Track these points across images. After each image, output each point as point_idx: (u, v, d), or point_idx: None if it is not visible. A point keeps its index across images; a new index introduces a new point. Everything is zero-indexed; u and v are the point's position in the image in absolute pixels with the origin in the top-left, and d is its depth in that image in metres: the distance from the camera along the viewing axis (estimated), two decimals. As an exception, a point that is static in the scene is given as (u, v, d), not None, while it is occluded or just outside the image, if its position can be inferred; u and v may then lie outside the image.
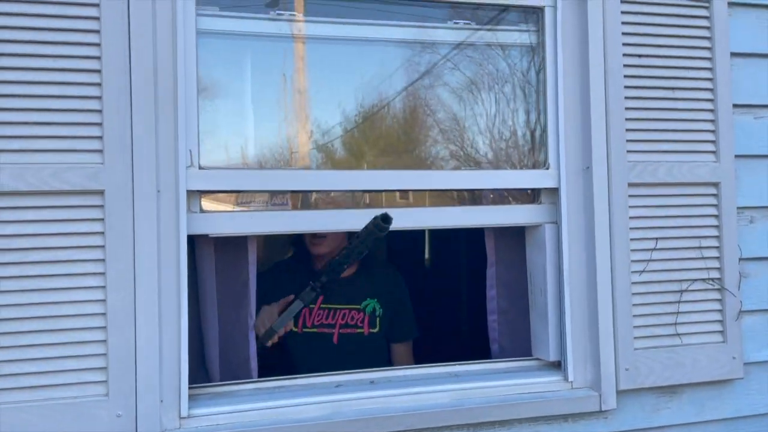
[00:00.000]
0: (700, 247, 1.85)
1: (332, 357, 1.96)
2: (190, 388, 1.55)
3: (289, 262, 2.20)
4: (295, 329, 1.98)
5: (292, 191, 1.68)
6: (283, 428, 1.54)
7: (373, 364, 1.82)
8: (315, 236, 1.99)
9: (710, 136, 1.87)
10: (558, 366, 1.81)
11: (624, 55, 1.80)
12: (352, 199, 1.84)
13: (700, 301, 1.85)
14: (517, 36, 1.90)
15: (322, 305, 2.03)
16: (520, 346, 1.96)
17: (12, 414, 1.37)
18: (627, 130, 1.79)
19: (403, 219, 1.75)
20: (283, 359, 2.00)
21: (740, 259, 1.89)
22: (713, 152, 1.87)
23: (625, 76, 1.79)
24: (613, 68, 1.77)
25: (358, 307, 2.08)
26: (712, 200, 1.87)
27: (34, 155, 1.39)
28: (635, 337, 1.78)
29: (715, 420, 1.88)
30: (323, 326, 2.04)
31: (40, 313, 1.39)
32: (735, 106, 1.90)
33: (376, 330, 2.08)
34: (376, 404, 1.64)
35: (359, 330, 2.06)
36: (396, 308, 2.15)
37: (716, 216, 1.87)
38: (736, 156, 1.89)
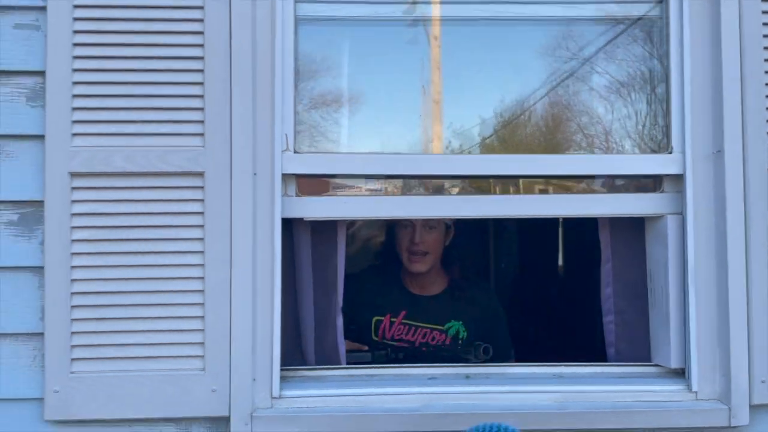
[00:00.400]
0: None
1: None
2: (282, 369, 1.57)
3: (381, 269, 2.15)
4: (375, 338, 1.95)
5: (387, 175, 1.64)
6: (372, 416, 1.51)
7: None
8: (414, 252, 1.94)
9: None
10: (681, 374, 1.62)
11: (764, 24, 1.57)
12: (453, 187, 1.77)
13: None
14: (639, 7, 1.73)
15: (404, 320, 1.97)
16: (640, 351, 1.77)
17: (120, 382, 1.46)
18: (768, 108, 1.57)
19: (513, 207, 1.66)
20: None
21: None
22: None
23: (765, 48, 1.57)
24: (751, 37, 1.55)
25: (441, 328, 1.99)
26: None
27: (143, 138, 1.48)
28: (776, 346, 1.55)
29: None
30: (402, 341, 1.98)
31: (144, 287, 1.47)
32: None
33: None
34: (471, 400, 1.56)
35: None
36: (484, 332, 2.00)
37: None
38: None
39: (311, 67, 1.69)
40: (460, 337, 2.00)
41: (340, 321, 1.85)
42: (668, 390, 1.58)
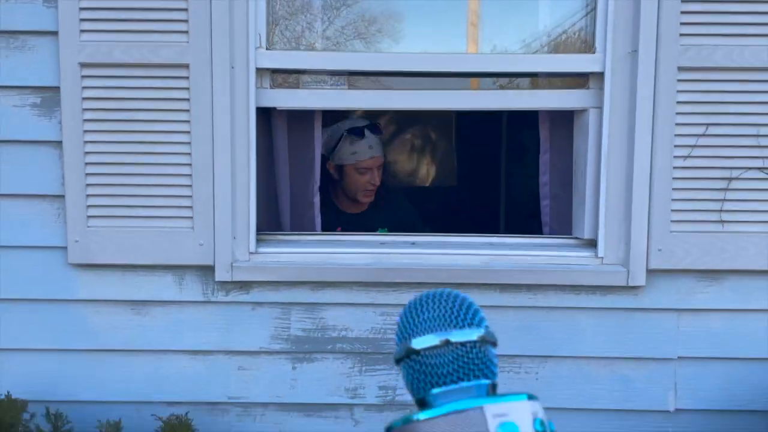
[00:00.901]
0: (757, 135, 1.81)
1: None
2: (260, 233, 1.91)
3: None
4: None
5: (351, 72, 1.90)
6: (331, 268, 1.85)
7: None
8: (369, 190, 2.30)
9: (783, 18, 1.77)
10: (593, 244, 1.91)
11: (685, -68, 1.75)
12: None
13: (752, 189, 1.82)
14: None
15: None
16: (569, 230, 2.07)
17: (124, 235, 1.82)
18: (682, 12, 1.77)
19: (464, 101, 1.93)
20: None
21: (805, 151, 1.82)
22: (785, 35, 1.78)
23: (683, -45, 1.75)
24: (668, -54, 1.74)
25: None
26: (779, 86, 1.80)
27: (138, 35, 1.76)
28: (673, 221, 1.82)
29: (761, 310, 1.88)
30: None
31: (143, 160, 1.80)
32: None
33: None
34: (413, 259, 1.89)
35: None
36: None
37: (781, 103, 1.80)
38: (814, 39, 1.78)
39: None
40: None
41: (317, 199, 2.17)
42: (579, 256, 1.89)
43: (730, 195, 1.82)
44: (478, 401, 0.59)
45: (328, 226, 2.25)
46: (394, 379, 1.90)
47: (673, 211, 1.82)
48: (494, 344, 0.65)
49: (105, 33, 1.77)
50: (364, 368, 1.90)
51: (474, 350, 0.62)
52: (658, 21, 1.76)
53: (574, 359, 1.90)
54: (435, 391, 0.62)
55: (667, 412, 1.90)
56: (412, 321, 0.64)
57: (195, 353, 1.88)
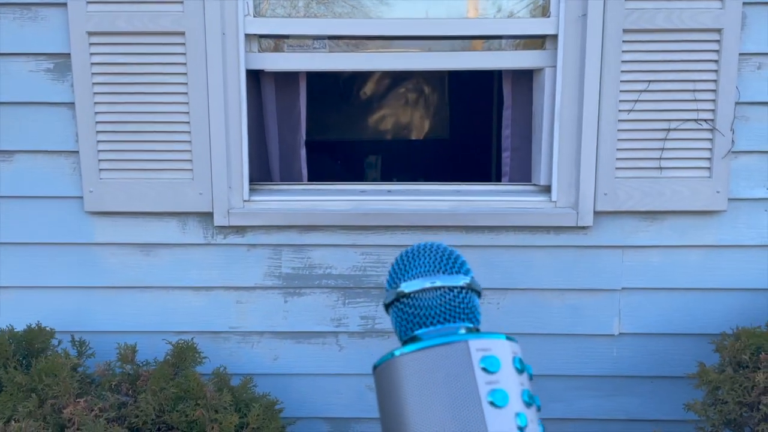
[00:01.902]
0: (694, 90, 2.02)
1: None
2: (254, 183, 2.15)
3: None
4: None
5: (332, 36, 2.11)
6: (315, 213, 2.10)
7: None
8: None
9: (718, -16, 1.97)
10: (548, 190, 2.15)
11: None
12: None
13: (688, 139, 2.05)
14: None
15: None
16: (527, 179, 2.31)
17: (132, 186, 2.06)
18: (627, -21, 1.97)
19: (430, 61, 2.14)
20: None
21: (740, 103, 2.04)
22: (719, -1, 1.98)
23: (629, -73, 1.94)
24: None
25: None
26: (714, 46, 2.00)
27: (139, 5, 1.97)
28: (617, 168, 2.06)
29: (696, 245, 2.13)
30: None
31: (148, 119, 2.03)
32: (749, -48, 1.96)
33: None
34: (389, 205, 2.13)
35: None
36: None
37: (716, 61, 2.01)
38: (745, 2, 1.98)
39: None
40: None
41: (303, 152, 2.41)
42: (535, 200, 2.13)
43: (668, 144, 2.05)
44: (462, 336, 0.60)
45: None
46: (374, 309, 2.17)
47: (617, 159, 2.06)
48: (479, 294, 0.67)
49: (109, 4, 1.97)
50: (347, 301, 2.16)
51: (460, 295, 0.64)
52: (605, -13, 1.96)
53: (531, 291, 2.16)
54: (421, 331, 0.64)
55: (612, 335, 2.18)
56: (402, 268, 0.66)
57: (198, 289, 2.14)
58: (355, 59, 2.13)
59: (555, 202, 2.12)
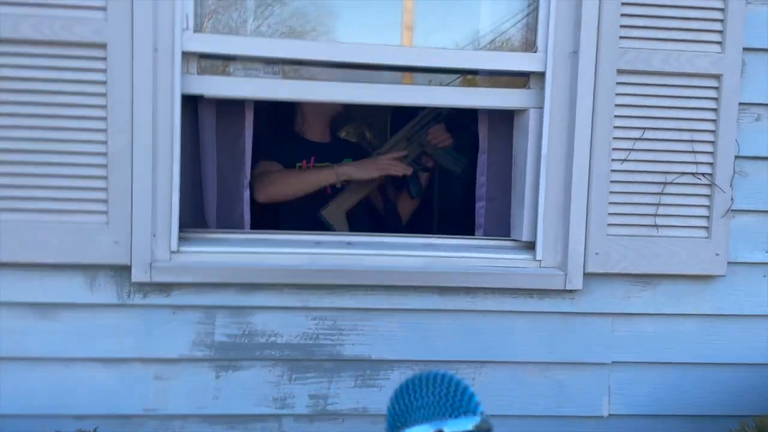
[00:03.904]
0: (691, 141, 1.82)
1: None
2: (184, 230, 1.77)
3: (287, 132, 2.34)
4: None
5: (284, 60, 1.79)
6: (260, 269, 1.74)
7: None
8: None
9: (717, 26, 1.80)
10: (531, 247, 1.88)
11: (626, -64, 1.75)
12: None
13: (686, 195, 1.83)
14: None
15: (316, 163, 2.24)
16: (505, 233, 2.03)
17: (32, 231, 1.64)
18: (622, 15, 1.76)
19: (398, 95, 1.85)
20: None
21: (739, 157, 1.85)
22: (718, 43, 1.80)
23: (624, -41, 1.75)
24: (610, -52, 1.73)
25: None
26: (712, 93, 1.82)
27: (48, 9, 1.59)
28: (609, 224, 1.81)
29: (692, 314, 1.90)
30: None
31: (53, 148, 1.63)
32: (749, -6, 1.81)
33: None
34: (350, 260, 1.79)
35: None
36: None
37: (714, 110, 1.82)
38: (746, 49, 1.82)
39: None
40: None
41: (246, 194, 2.05)
42: (517, 258, 1.85)
43: (664, 200, 1.83)
44: None
45: (295, 158, 2.21)
46: (326, 387, 1.80)
47: (610, 214, 1.81)
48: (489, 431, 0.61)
49: (11, 5, 1.59)
50: (294, 376, 1.79)
51: None
52: (599, 22, 1.75)
53: (510, 364, 1.86)
54: None
55: (601, 417, 1.89)
56: (404, 408, 0.62)
57: (107, 361, 1.72)
58: (312, 88, 1.82)
59: (540, 261, 1.84)
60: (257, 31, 1.97)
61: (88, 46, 1.61)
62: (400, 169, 2.14)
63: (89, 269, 1.69)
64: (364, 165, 2.16)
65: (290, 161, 2.21)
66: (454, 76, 2.10)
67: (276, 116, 2.37)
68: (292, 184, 2.12)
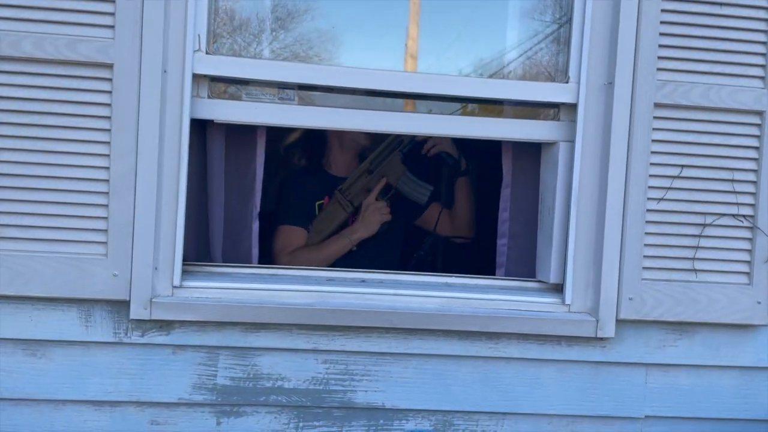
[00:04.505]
0: (732, 180, 1.70)
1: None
2: (187, 264, 1.66)
3: (309, 166, 2.26)
4: None
5: (301, 85, 1.69)
6: (267, 308, 1.61)
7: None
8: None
9: (760, 60, 1.69)
10: (559, 289, 1.75)
11: (663, -36, 1.65)
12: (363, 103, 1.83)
13: (726, 237, 1.71)
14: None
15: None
16: (529, 272, 1.91)
17: (24, 261, 1.52)
18: (660, 45, 1.66)
19: (420, 125, 1.75)
20: None
21: (780, 199, 1.73)
22: (761, 77, 1.69)
23: (662, -13, 1.65)
24: (648, -25, 1.64)
25: None
26: (754, 131, 1.70)
27: (52, 26, 1.50)
28: (644, 267, 1.68)
29: (731, 366, 1.76)
30: None
31: (50, 173, 1.52)
32: (795, 27, 1.71)
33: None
34: (362, 300, 1.67)
35: None
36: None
37: (757, 148, 1.71)
38: (789, 84, 1.71)
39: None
40: None
41: (255, 226, 1.93)
42: (544, 302, 1.72)
43: (703, 242, 1.70)
44: None
45: (317, 194, 2.15)
46: (335, 436, 1.66)
47: (645, 257, 1.68)
48: None
49: (13, 21, 1.50)
50: (301, 424, 1.65)
51: None
52: (635, 53, 1.65)
53: (535, 416, 1.72)
54: None
55: (633, 476, 1.74)
56: None
57: (100, 404, 1.59)
58: (329, 115, 1.71)
59: (569, 305, 1.71)
60: (261, 57, 1.88)
61: (94, 66, 1.51)
62: (387, 213, 2.14)
63: (84, 304, 1.57)
64: (368, 222, 2.12)
65: (312, 197, 2.12)
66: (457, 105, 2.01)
67: (309, 150, 2.28)
68: (312, 261, 2.02)
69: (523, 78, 2.03)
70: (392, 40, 2.17)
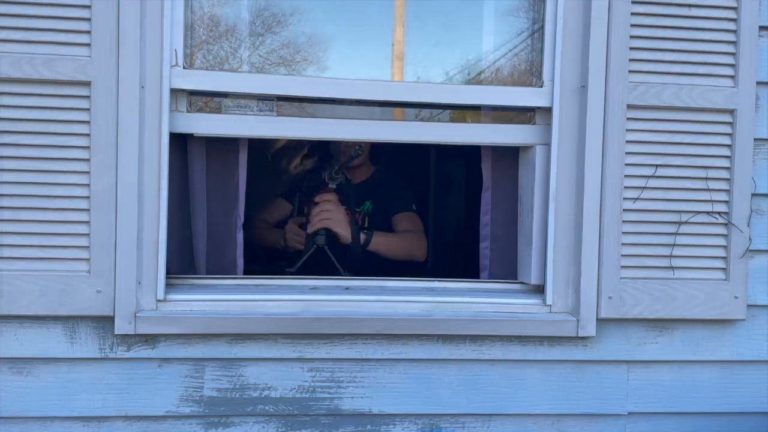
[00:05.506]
0: (706, 178, 1.74)
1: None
2: (171, 277, 1.67)
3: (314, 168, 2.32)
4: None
5: (279, 97, 1.71)
6: (252, 318, 1.62)
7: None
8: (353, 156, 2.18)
9: (729, 59, 1.73)
10: (540, 290, 1.78)
11: (633, -33, 1.68)
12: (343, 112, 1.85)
13: (702, 234, 1.74)
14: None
15: None
16: (512, 273, 1.93)
17: (8, 280, 1.53)
18: (631, 48, 1.69)
19: (399, 132, 1.77)
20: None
21: (755, 195, 1.77)
22: (731, 77, 1.73)
23: (631, -9, 1.68)
24: (617, -20, 1.67)
25: (358, 209, 2.24)
26: (726, 129, 1.74)
27: (29, 46, 1.51)
28: (623, 266, 1.71)
29: (711, 361, 1.79)
30: None
31: (32, 191, 1.53)
32: (762, 28, 1.74)
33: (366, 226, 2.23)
34: (347, 307, 1.69)
35: None
36: (385, 206, 2.28)
37: (729, 146, 1.74)
38: (759, 82, 1.74)
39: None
40: (368, 212, 2.26)
41: (240, 237, 1.94)
42: (526, 303, 1.74)
43: (680, 240, 1.73)
44: None
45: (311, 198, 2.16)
46: (323, 443, 1.67)
47: (623, 256, 1.71)
48: None
49: (-12, 42, 1.50)
50: (288, 432, 1.67)
51: None
52: (607, 56, 1.68)
53: (520, 417, 1.74)
54: None
55: (618, 472, 1.77)
56: None
57: (88, 420, 1.59)
58: (308, 126, 1.73)
59: (550, 306, 1.74)
60: (248, 62, 1.89)
61: (71, 84, 1.52)
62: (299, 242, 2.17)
63: (69, 320, 1.58)
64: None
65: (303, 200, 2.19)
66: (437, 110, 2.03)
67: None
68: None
69: (497, 82, 2.05)
70: (378, 44, 2.18)
